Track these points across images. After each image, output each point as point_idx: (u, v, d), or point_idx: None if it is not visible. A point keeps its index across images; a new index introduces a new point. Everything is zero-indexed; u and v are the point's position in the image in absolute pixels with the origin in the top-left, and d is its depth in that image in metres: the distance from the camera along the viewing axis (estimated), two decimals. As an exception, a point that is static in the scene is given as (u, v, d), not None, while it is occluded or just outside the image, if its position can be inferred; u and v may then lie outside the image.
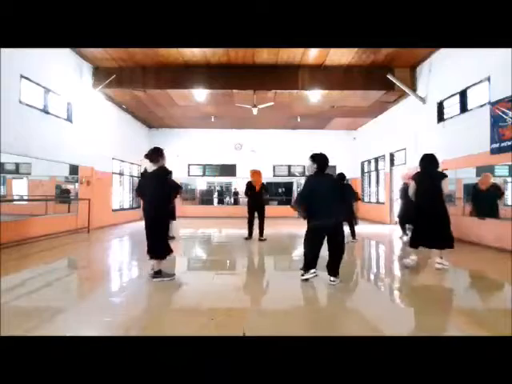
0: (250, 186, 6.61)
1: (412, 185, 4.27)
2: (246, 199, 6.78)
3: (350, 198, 6.68)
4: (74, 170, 7.79)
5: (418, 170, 4.37)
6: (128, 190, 11.67)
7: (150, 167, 3.61)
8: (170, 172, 3.70)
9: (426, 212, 4.10)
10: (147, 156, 3.60)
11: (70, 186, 8.08)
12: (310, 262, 3.53)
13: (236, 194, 15.48)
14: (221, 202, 16.06)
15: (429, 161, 4.22)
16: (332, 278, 3.46)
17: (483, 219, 5.98)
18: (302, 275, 3.55)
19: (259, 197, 6.59)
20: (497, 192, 5.94)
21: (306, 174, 3.57)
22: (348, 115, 11.36)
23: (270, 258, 5.35)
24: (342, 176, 6.77)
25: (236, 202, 15.15)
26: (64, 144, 7.25)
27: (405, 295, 3.32)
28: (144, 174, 3.69)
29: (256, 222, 6.66)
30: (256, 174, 6.72)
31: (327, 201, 3.39)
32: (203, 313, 2.63)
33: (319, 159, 3.50)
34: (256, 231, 6.67)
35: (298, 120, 11.84)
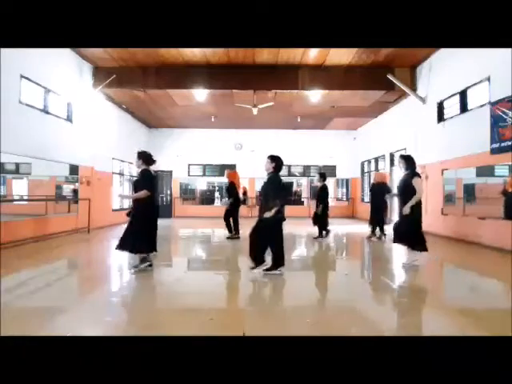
0: (235, 188, 6.78)
1: (420, 188, 4.14)
2: (230, 200, 6.85)
3: (326, 198, 6.79)
4: (74, 170, 7.79)
5: (401, 170, 4.42)
6: (128, 190, 11.65)
7: (149, 168, 3.97)
8: None
9: None
10: (152, 159, 4.01)
11: (71, 187, 8.07)
12: (283, 255, 3.82)
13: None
14: (211, 201, 15.73)
15: (415, 161, 4.34)
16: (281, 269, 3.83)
17: (483, 219, 5.98)
18: (277, 270, 3.80)
19: (239, 197, 6.92)
20: None
21: (267, 172, 3.96)
22: (348, 115, 11.35)
23: (269, 259, 5.34)
24: (323, 175, 6.80)
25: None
26: (64, 144, 7.24)
27: (405, 295, 3.32)
28: (153, 175, 4.06)
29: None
30: (237, 174, 6.97)
31: (284, 198, 3.95)
32: (203, 313, 2.63)
33: (278, 160, 3.90)
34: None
35: (298, 120, 11.84)
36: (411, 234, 4.15)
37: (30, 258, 4.86)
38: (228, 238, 6.76)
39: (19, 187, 6.97)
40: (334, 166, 13.84)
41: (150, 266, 3.94)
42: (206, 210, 13.90)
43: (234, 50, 7.14)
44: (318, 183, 7.01)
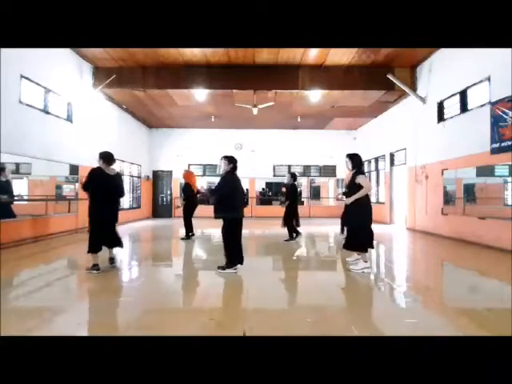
0: (190, 189, 6.82)
1: (367, 183, 4.04)
2: (184, 200, 6.98)
3: (296, 199, 6.65)
4: (74, 170, 7.79)
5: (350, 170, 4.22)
6: (128, 189, 11.66)
7: (108, 168, 3.94)
8: None
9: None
10: (113, 159, 4.01)
11: (72, 187, 8.07)
12: (235, 254, 3.92)
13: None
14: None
15: (362, 160, 4.21)
16: (239, 266, 3.97)
17: (483, 219, 5.98)
18: (224, 269, 3.89)
19: (196, 198, 6.99)
20: None
21: (221, 172, 4.04)
22: (348, 115, 11.35)
23: (268, 258, 5.35)
24: (293, 175, 6.70)
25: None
26: (64, 144, 7.24)
27: (406, 295, 3.31)
28: (108, 175, 3.96)
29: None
30: (193, 175, 7.09)
31: (241, 196, 4.11)
32: (203, 313, 2.63)
33: (235, 161, 4.02)
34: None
35: (298, 120, 11.84)
36: (358, 237, 4.00)
37: (30, 258, 4.86)
38: (182, 238, 6.87)
39: (19, 187, 6.96)
40: (334, 166, 13.84)
41: (112, 262, 4.11)
42: (206, 210, 13.86)
43: (234, 49, 7.14)
44: (287, 183, 6.68)
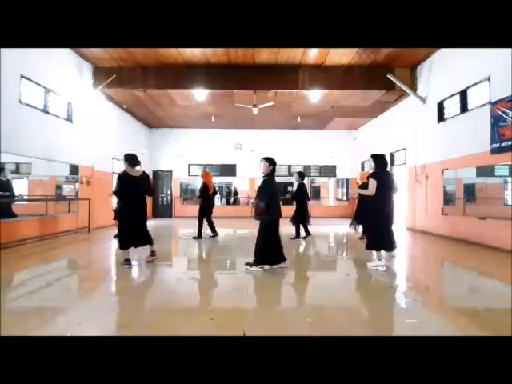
0: (206, 188, 6.90)
1: (371, 187, 4.09)
2: (198, 200, 7.12)
3: (305, 198, 6.72)
4: (74, 170, 7.79)
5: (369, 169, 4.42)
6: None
7: (133, 170, 4.20)
8: None
9: (391, 214, 4.23)
10: (136, 160, 4.26)
11: (72, 187, 8.06)
12: (268, 254, 4.00)
13: (236, 193, 15.47)
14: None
15: (385, 160, 4.30)
16: (284, 264, 4.11)
17: (483, 219, 5.98)
18: (251, 266, 4.01)
19: (212, 198, 7.12)
20: None
21: (263, 174, 4.06)
22: (348, 115, 11.35)
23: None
24: (301, 175, 6.74)
25: (235, 202, 15.16)
26: (64, 144, 7.24)
27: (406, 295, 3.31)
28: (134, 177, 4.20)
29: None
30: (210, 175, 7.15)
31: (278, 199, 4.09)
32: (203, 313, 2.63)
33: (275, 163, 4.02)
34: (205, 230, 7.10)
35: (298, 120, 11.84)
36: (372, 234, 4.19)
37: (31, 258, 4.86)
38: (211, 236, 7.03)
39: (19, 187, 6.96)
40: (334, 166, 13.85)
41: (128, 264, 4.20)
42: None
43: (234, 49, 7.15)
44: (296, 182, 6.87)
